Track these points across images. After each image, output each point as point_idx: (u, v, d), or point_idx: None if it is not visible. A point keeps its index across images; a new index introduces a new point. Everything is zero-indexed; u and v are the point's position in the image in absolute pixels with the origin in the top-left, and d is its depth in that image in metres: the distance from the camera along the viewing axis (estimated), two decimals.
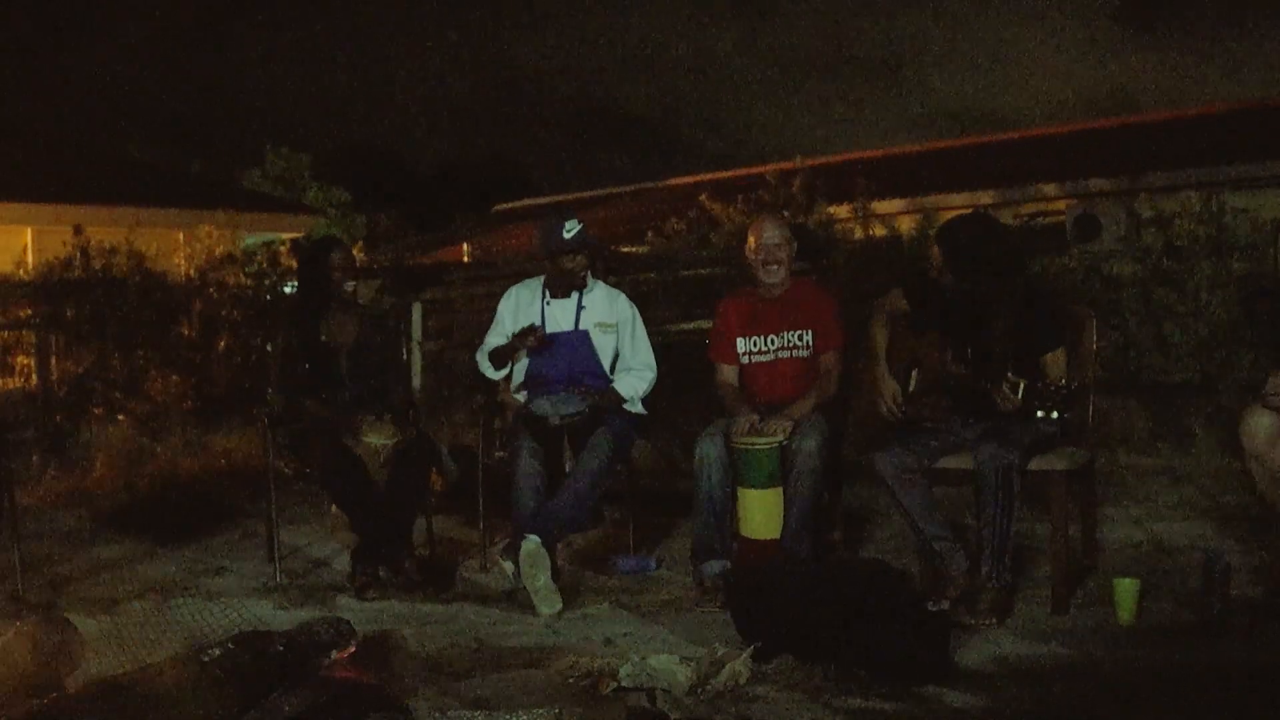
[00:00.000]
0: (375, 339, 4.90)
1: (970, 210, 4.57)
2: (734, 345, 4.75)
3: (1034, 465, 3.98)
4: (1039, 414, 3.75)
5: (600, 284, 4.99)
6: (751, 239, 4.75)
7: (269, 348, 6.45)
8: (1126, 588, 3.85)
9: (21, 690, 2.36)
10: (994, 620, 3.86)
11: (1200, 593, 3.91)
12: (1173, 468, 5.81)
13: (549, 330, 4.81)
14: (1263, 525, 4.15)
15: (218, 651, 2.37)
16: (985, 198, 13.68)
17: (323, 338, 4.75)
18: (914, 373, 4.31)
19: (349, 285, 4.81)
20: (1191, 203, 8.02)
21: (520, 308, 4.94)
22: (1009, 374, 3.81)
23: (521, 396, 4.83)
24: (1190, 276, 7.54)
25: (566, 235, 4.82)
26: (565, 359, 4.79)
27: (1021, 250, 4.54)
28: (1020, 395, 3.77)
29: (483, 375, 5.05)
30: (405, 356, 5.31)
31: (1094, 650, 3.57)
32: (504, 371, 4.82)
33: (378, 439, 4.51)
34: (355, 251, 12.34)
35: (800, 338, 4.65)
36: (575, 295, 4.88)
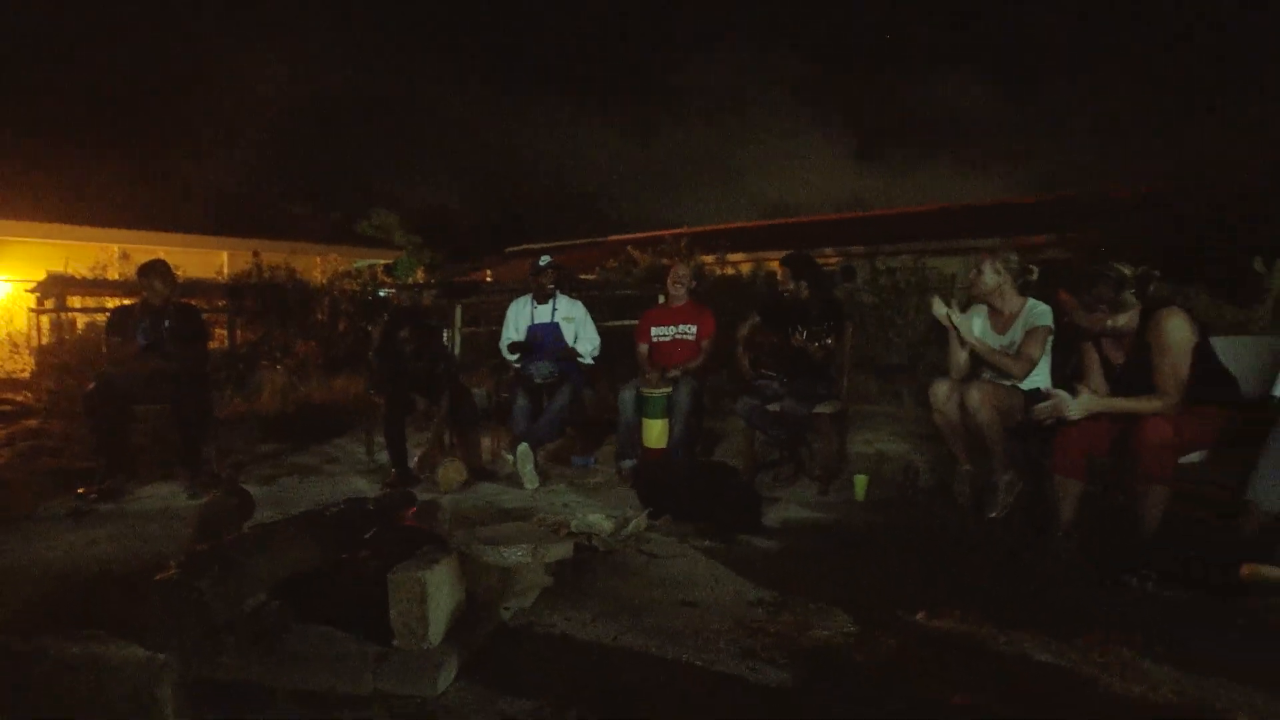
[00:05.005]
0: (426, 340, 4.67)
1: (791, 251, 4.69)
2: (650, 332, 4.78)
3: (816, 410, 4.06)
4: (815, 344, 3.99)
5: (565, 297, 4.99)
6: (670, 273, 4.88)
7: (369, 329, 6.37)
8: (860, 479, 3.96)
9: (206, 535, 2.34)
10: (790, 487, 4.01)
11: (901, 482, 4.06)
12: (890, 413, 5.93)
13: (536, 322, 4.82)
14: (937, 443, 4.28)
15: (336, 509, 2.37)
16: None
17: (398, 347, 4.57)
18: (759, 354, 4.41)
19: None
20: (906, 262, 8.17)
21: (519, 311, 4.92)
22: (800, 332, 4.01)
23: (518, 363, 4.81)
24: (904, 304, 7.70)
25: (541, 264, 4.87)
26: (546, 339, 4.78)
27: (824, 273, 4.68)
28: (804, 337, 3.97)
29: (498, 349, 5.03)
30: (446, 342, 5.22)
31: (841, 515, 3.66)
32: (517, 355, 4.75)
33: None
34: (419, 273, 12.17)
35: (688, 330, 4.68)
36: (550, 302, 4.87)
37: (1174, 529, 2.77)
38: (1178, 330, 2.77)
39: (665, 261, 10.08)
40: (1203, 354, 2.81)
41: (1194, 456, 2.83)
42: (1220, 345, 2.96)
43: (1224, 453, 2.78)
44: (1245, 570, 1.74)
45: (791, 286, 4.30)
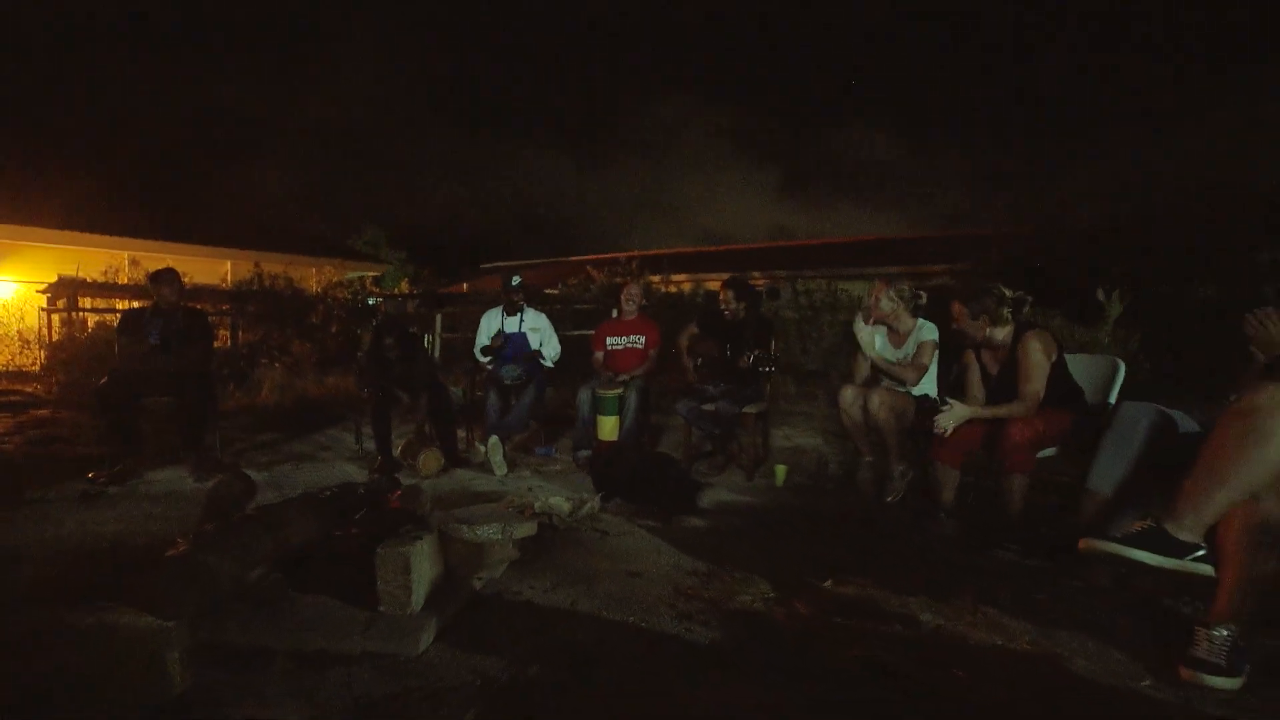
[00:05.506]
0: (409, 344, 4.59)
1: (733, 275, 4.81)
2: (604, 341, 4.80)
3: (744, 410, 4.12)
4: (761, 369, 3.98)
5: (531, 309, 4.99)
6: (624, 290, 4.90)
7: (360, 333, 6.25)
8: (780, 469, 4.04)
9: (214, 514, 2.28)
10: (720, 474, 4.09)
11: (814, 471, 4.16)
12: (806, 412, 6.04)
13: (506, 331, 4.80)
14: (845, 438, 4.39)
15: (329, 492, 2.33)
16: (726, 276, 14.08)
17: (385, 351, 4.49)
18: (699, 360, 4.45)
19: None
20: (822, 285, 8.37)
21: (490, 321, 4.89)
22: (746, 352, 4.01)
23: (490, 365, 4.79)
24: (819, 320, 7.89)
25: (513, 283, 4.84)
26: (514, 346, 4.76)
27: (758, 294, 4.72)
28: (751, 360, 3.96)
29: (473, 354, 4.99)
30: (427, 346, 5.17)
31: (764, 499, 3.72)
32: (489, 359, 4.74)
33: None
34: (404, 285, 11.99)
35: (637, 340, 4.73)
36: (519, 314, 4.86)
37: (1033, 510, 2.93)
38: (1039, 351, 2.93)
39: (619, 280, 10.11)
40: (1058, 369, 2.97)
41: (1049, 452, 2.99)
42: (1071, 361, 3.14)
43: (1072, 449, 2.94)
44: (1081, 544, 1.86)
45: (734, 306, 4.36)
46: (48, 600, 2.11)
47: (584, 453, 4.36)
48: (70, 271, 8.97)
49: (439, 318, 7.41)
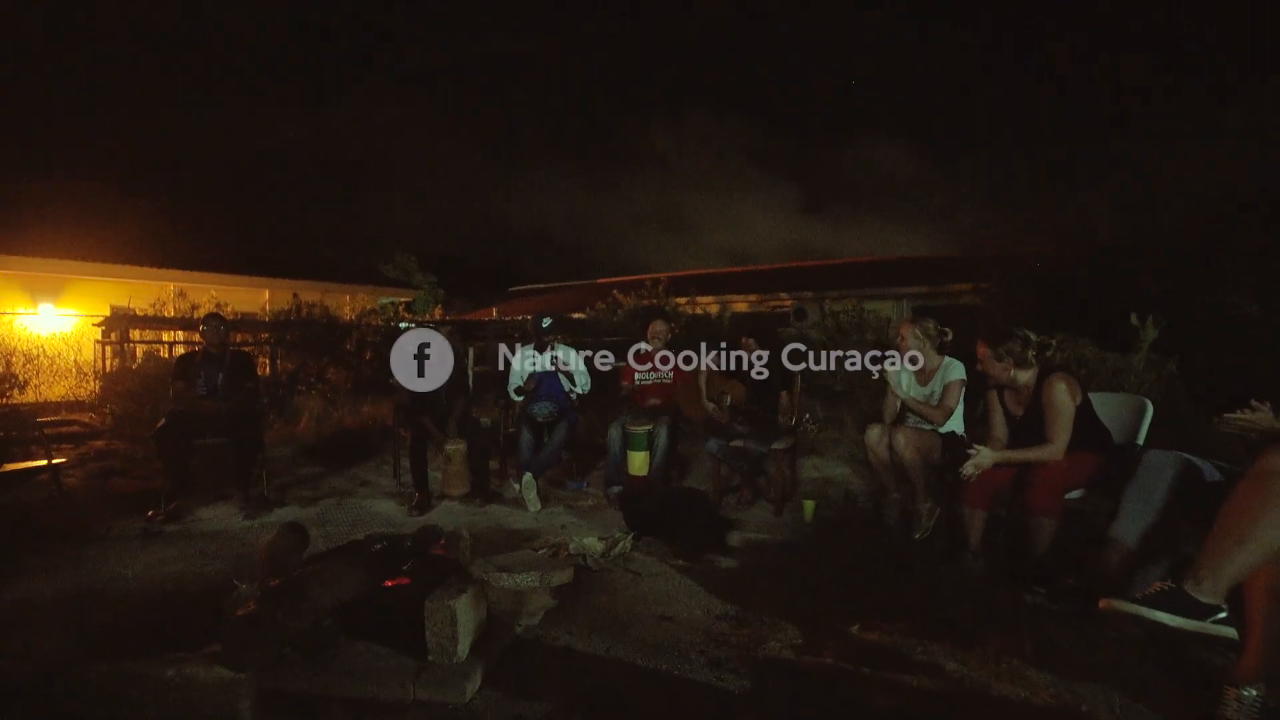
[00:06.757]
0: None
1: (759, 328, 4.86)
2: (633, 374, 4.90)
3: (772, 446, 4.17)
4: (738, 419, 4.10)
5: (562, 345, 5.11)
6: (649, 329, 4.94)
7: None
8: (808, 504, 4.07)
9: (275, 568, 2.42)
10: (750, 509, 4.13)
11: (842, 505, 4.19)
12: (834, 439, 6.04)
13: (538, 369, 4.93)
14: (873, 470, 4.41)
15: (380, 545, 2.47)
16: (752, 297, 14.07)
17: None
18: (727, 398, 4.51)
19: None
20: (848, 305, 8.39)
21: (523, 360, 5.02)
22: (718, 399, 4.21)
23: (522, 401, 4.91)
24: (847, 341, 7.89)
25: (544, 324, 4.98)
26: (545, 383, 4.88)
27: (778, 338, 4.75)
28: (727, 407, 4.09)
29: (505, 388, 5.13)
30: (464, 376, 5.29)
31: (792, 535, 3.77)
32: (522, 397, 4.89)
33: (452, 447, 4.47)
34: (436, 310, 12.24)
35: (666, 374, 4.84)
36: (549, 351, 4.99)
37: (1063, 545, 2.93)
38: (1064, 394, 2.96)
39: (645, 302, 10.25)
40: (1083, 411, 3.01)
41: (1076, 494, 3.01)
42: (1098, 401, 3.16)
43: (1099, 491, 2.96)
44: (1102, 604, 1.90)
45: (761, 358, 4.42)
46: (126, 647, 2.27)
47: (615, 488, 4.44)
48: (122, 302, 9.41)
49: (470, 353, 7.56)
